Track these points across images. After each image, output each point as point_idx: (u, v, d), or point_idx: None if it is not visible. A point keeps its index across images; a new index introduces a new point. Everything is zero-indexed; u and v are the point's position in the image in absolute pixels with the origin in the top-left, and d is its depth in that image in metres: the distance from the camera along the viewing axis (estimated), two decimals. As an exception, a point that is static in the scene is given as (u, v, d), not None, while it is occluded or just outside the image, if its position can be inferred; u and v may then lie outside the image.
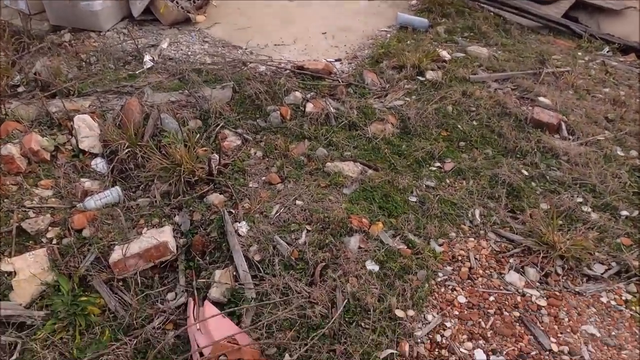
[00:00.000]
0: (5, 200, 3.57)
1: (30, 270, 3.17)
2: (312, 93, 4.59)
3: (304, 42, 5.87)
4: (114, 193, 3.72)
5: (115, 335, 2.89)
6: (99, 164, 4.06)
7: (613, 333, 2.53)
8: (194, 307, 2.92)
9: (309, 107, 4.39)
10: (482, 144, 4.06)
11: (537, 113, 4.19)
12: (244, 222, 3.30)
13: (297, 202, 3.44)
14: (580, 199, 3.41)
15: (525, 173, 3.68)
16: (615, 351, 2.43)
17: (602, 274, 2.87)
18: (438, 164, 3.86)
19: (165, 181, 3.71)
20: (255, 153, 4.03)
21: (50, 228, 3.47)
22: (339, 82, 4.77)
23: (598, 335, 2.51)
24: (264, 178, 3.75)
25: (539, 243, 2.98)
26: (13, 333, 2.94)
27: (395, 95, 4.68)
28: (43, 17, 6.06)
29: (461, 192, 3.53)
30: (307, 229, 3.21)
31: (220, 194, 3.62)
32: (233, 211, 3.43)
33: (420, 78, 4.95)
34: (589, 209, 3.32)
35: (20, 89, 4.98)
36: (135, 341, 2.80)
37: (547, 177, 3.64)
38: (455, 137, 4.13)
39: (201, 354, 2.63)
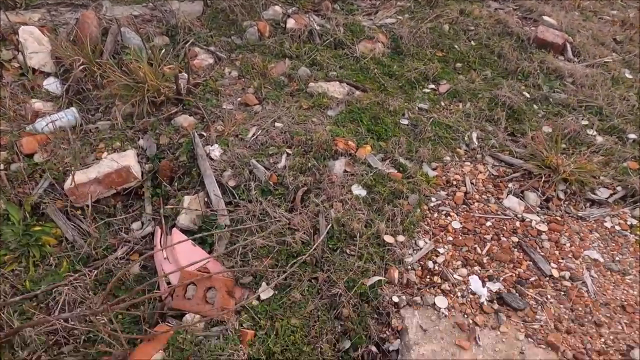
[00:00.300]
0: (-59, 121, 3.12)
1: (-26, 198, 2.80)
2: (294, 8, 4.09)
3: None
4: (69, 115, 3.29)
5: (73, 267, 2.60)
6: (52, 84, 3.59)
7: (617, 258, 2.34)
8: (161, 235, 2.64)
9: (290, 23, 3.90)
10: (481, 65, 3.70)
11: (541, 32, 3.80)
12: (216, 145, 2.94)
13: (277, 124, 3.08)
14: (585, 122, 3.13)
15: (527, 95, 3.36)
16: (619, 276, 2.26)
17: (606, 198, 2.65)
18: (432, 86, 3.50)
19: (127, 101, 3.28)
20: (229, 72, 3.60)
21: (-4, 152, 3.06)
22: (325, -4, 4.26)
23: (601, 260, 2.33)
24: (239, 99, 3.35)
25: (540, 167, 2.73)
26: (-42, 265, 2.62)
27: (387, 12, 4.21)
28: None
29: (457, 114, 3.21)
30: (287, 153, 2.88)
31: (190, 115, 3.23)
32: (205, 134, 3.06)
33: (415, -6, 4.46)
34: (595, 132, 3.06)
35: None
36: (96, 272, 2.52)
37: (551, 99, 3.33)
38: (451, 57, 3.75)
39: (169, 283, 2.38)
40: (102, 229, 2.79)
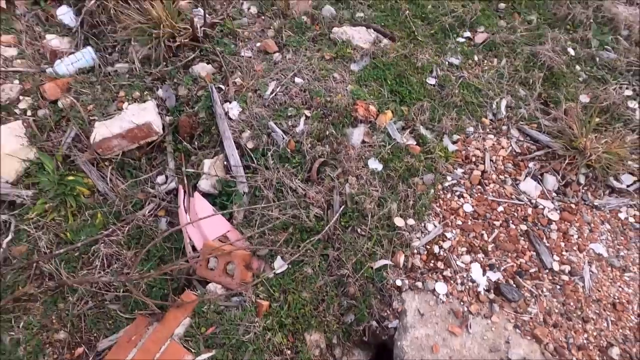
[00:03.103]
0: (-38, 62, 3.13)
1: (9, 146, 2.96)
2: None
3: None
4: (87, 55, 3.24)
5: (107, 220, 2.84)
6: (66, 15, 3.44)
7: (621, 253, 2.40)
8: (184, 196, 2.79)
9: (316, -54, 3.45)
10: (527, 7, 3.30)
11: (606, -34, 3.27)
12: (235, 103, 2.90)
13: (296, 79, 2.97)
14: (629, 92, 2.89)
15: (572, 53, 3.06)
16: (618, 273, 2.34)
17: (628, 186, 2.59)
18: (468, 34, 3.20)
19: (143, 44, 3.17)
20: (248, 9, 3.34)
21: (21, 97, 3.12)
22: None
23: (605, 255, 2.39)
24: (258, 44, 3.17)
25: (567, 147, 2.63)
26: (5, 211, 2.90)
27: None
28: None
29: (489, 73, 3.00)
30: (306, 115, 2.83)
31: (207, 63, 3.12)
32: (223, 87, 3.00)
33: None
34: (637, 105, 2.84)
35: None
36: (127, 227, 2.76)
37: (597, 59, 3.03)
38: (495, -5, 3.34)
39: (194, 247, 2.61)
40: (130, 183, 2.96)
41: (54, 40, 3.29)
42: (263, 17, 3.31)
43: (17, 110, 3.09)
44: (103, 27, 3.38)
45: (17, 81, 3.15)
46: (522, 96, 2.90)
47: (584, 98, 2.87)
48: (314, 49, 3.12)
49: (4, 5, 3.36)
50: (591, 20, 3.14)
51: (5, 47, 3.28)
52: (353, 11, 3.25)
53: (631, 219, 2.50)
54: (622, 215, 2.52)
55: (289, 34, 3.18)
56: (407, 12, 3.24)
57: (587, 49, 3.06)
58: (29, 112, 3.09)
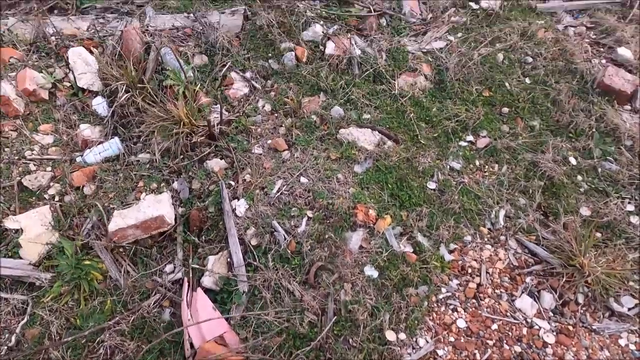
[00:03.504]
0: (5, 149, 3.47)
1: (35, 229, 3.21)
2: (335, 26, 3.86)
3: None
4: (114, 146, 3.52)
5: (115, 307, 2.99)
6: (100, 105, 3.78)
7: (621, 385, 2.33)
8: (187, 291, 2.92)
9: (330, 47, 3.72)
10: (530, 112, 3.39)
11: (608, 76, 3.36)
12: (242, 200, 3.07)
13: (302, 179, 3.13)
14: (631, 207, 2.89)
15: (573, 162, 3.11)
16: (616, 407, 2.27)
17: (629, 309, 2.54)
18: (470, 138, 3.31)
19: (165, 138, 3.44)
20: (263, 106, 3.59)
21: (52, 184, 3.40)
22: (371, 10, 3.94)
23: (602, 386, 2.33)
24: (269, 142, 3.38)
25: (565, 264, 2.63)
26: (24, 292, 3.10)
27: (437, 32, 3.86)
28: None
29: (490, 179, 3.07)
30: (308, 216, 2.96)
31: (221, 158, 3.34)
32: (233, 183, 3.19)
33: (473, 5, 4.03)
34: (639, 222, 2.83)
35: (19, -6, 4.51)
36: (132, 317, 2.89)
37: (599, 169, 3.06)
38: (498, 99, 3.46)
39: (191, 344, 2.70)
40: (140, 269, 3.12)
41: (86, 130, 3.62)
42: (276, 115, 3.54)
43: (46, 196, 3.36)
44: (132, 117, 3.69)
45: (49, 168, 3.45)
46: (521, 205, 2.95)
47: (585, 211, 2.88)
48: (321, 148, 3.30)
49: (46, 96, 3.74)
50: (594, 130, 3.20)
51: (44, 135, 3.62)
52: (360, 112, 3.43)
53: (632, 346, 2.44)
54: (622, 342, 2.46)
55: (298, 132, 3.38)
56: (412, 114, 3.39)
57: (589, 159, 3.10)
58: (56, 198, 3.36)
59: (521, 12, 3.99)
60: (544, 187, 2.99)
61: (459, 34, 3.84)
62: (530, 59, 3.61)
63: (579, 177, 3.04)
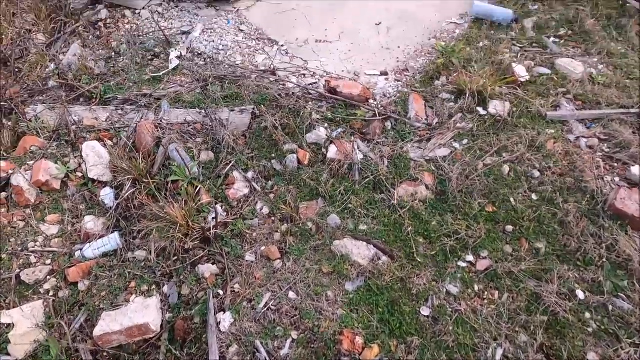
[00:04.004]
0: (10, 240, 3.58)
1: (25, 325, 3.22)
2: (339, 130, 3.90)
3: (350, 38, 4.96)
4: (112, 242, 3.57)
5: (90, 421, 2.90)
6: (107, 196, 3.89)
7: None
8: (162, 411, 2.81)
9: (332, 151, 3.74)
10: (536, 233, 3.23)
11: (620, 200, 3.19)
12: (228, 314, 3.00)
13: (291, 293, 3.04)
14: (644, 357, 2.62)
15: (581, 296, 2.89)
16: None
17: None
18: (470, 258, 3.16)
19: (162, 237, 3.46)
20: (261, 209, 3.59)
21: (48, 277, 3.45)
22: (376, 114, 3.98)
23: None
24: (262, 248, 3.34)
25: None
26: (5, 394, 3.07)
27: (442, 138, 3.83)
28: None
29: (489, 309, 2.88)
30: (292, 338, 2.84)
31: (213, 263, 3.32)
32: (221, 293, 3.13)
33: (481, 111, 4.00)
34: (653, 376, 2.55)
35: (51, 83, 4.85)
36: None
37: (610, 308, 2.83)
38: (502, 216, 3.33)
39: None
40: (121, 377, 3.05)
41: (89, 223, 3.70)
42: (272, 219, 3.53)
43: (41, 290, 3.40)
44: (135, 210, 3.77)
45: (49, 261, 3.52)
46: (521, 344, 2.73)
47: (592, 356, 2.63)
48: (314, 260, 3.23)
49: (57, 186, 3.90)
50: (604, 260, 2.99)
51: (50, 225, 3.73)
52: (357, 222, 3.37)
53: None
54: None
55: (292, 241, 3.33)
56: (410, 227, 3.30)
57: (599, 294, 2.88)
58: (51, 292, 3.39)
59: (531, 119, 3.92)
60: (548, 323, 2.77)
61: (465, 141, 3.79)
62: (537, 173, 3.49)
63: (587, 315, 2.81)
